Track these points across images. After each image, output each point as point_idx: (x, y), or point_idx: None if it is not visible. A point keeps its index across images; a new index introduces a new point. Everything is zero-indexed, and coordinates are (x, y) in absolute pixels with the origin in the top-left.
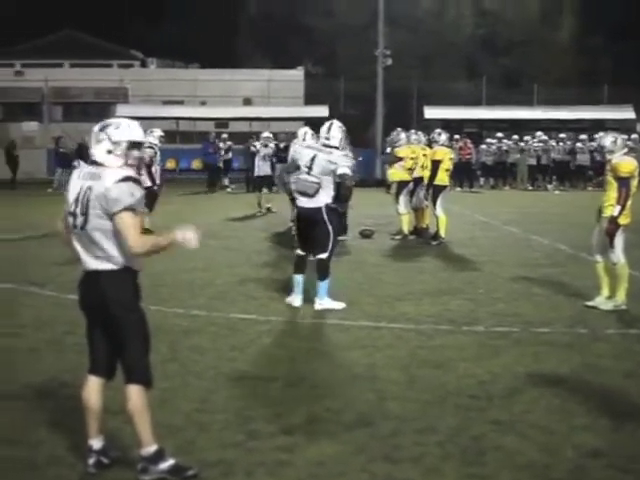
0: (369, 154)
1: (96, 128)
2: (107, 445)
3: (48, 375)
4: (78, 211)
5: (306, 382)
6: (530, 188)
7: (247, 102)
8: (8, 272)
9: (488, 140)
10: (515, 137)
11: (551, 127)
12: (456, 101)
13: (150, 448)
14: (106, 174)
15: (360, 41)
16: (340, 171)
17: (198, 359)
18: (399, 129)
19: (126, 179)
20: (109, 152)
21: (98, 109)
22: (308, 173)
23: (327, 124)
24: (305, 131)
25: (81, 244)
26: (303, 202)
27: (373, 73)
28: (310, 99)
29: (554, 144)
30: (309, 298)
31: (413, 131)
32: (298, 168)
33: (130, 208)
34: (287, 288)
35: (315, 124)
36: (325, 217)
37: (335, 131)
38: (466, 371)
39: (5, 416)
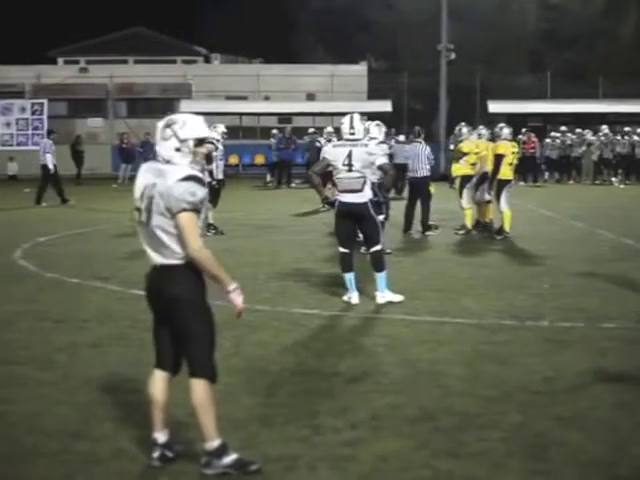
0: (433, 149)
1: (161, 124)
2: (171, 439)
3: (111, 369)
4: (143, 206)
5: (369, 377)
6: (595, 182)
7: (310, 97)
8: (73, 267)
9: (552, 134)
10: (579, 131)
11: (617, 120)
12: (520, 95)
13: (213, 442)
14: (171, 172)
15: (423, 35)
16: (380, 161)
17: (261, 354)
18: (463, 124)
19: (189, 178)
20: (177, 150)
21: (162, 105)
22: (349, 170)
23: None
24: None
25: (146, 239)
26: (348, 198)
27: (436, 67)
28: (373, 94)
29: (619, 138)
30: (370, 293)
31: (477, 126)
32: (328, 166)
33: (191, 208)
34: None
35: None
36: (371, 210)
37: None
38: (530, 367)
39: (69, 410)
